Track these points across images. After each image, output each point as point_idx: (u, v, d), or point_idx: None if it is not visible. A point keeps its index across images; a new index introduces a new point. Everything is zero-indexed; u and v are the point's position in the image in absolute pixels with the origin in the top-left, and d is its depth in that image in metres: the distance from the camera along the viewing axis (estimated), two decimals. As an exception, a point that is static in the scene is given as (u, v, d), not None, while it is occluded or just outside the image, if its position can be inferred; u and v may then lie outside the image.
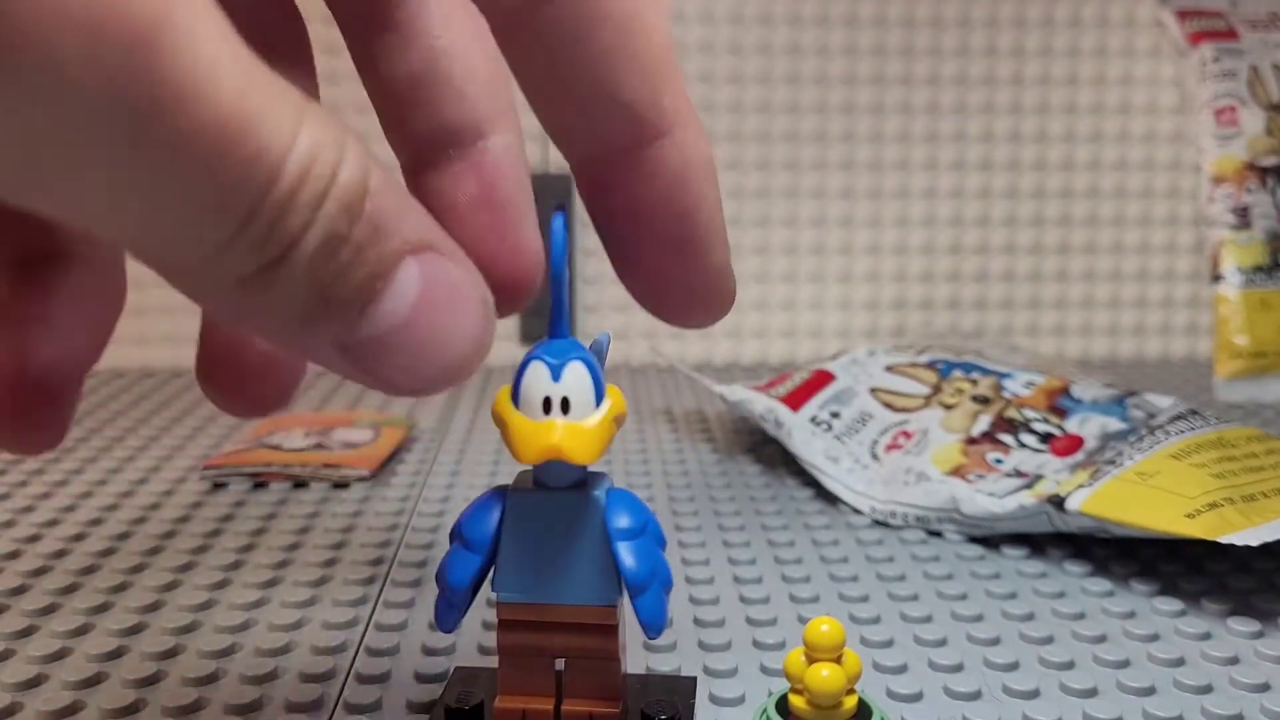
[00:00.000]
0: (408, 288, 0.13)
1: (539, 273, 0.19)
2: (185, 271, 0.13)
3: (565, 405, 0.20)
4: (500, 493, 0.21)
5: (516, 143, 0.19)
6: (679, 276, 0.18)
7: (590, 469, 0.21)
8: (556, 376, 0.20)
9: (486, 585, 0.22)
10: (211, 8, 0.11)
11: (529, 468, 0.22)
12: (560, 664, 0.22)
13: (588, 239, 0.63)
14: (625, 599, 0.22)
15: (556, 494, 0.21)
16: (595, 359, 0.20)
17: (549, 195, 0.63)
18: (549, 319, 0.21)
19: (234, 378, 0.19)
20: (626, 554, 0.21)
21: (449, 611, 0.21)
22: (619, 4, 0.16)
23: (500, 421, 0.20)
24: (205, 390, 0.19)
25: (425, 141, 0.19)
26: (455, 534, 0.22)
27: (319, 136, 0.12)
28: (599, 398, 0.20)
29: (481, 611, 0.30)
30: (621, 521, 0.21)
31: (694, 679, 0.25)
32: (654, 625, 0.21)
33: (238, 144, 0.11)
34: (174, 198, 0.12)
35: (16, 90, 0.10)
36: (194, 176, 0.11)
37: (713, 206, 0.18)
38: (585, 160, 0.18)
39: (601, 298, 0.64)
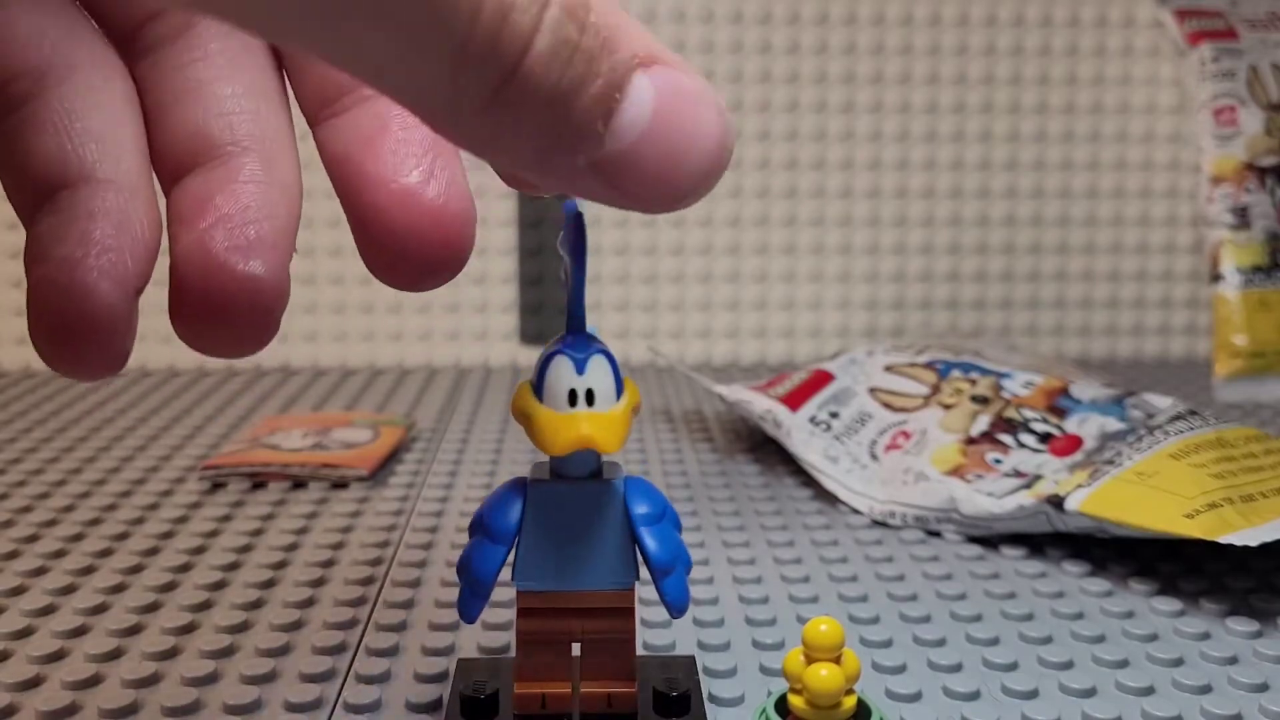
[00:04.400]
0: (644, 97, 0.14)
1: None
2: (437, 100, 0.13)
3: (590, 397, 0.20)
4: (519, 485, 0.22)
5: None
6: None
7: (605, 458, 0.22)
8: (581, 370, 0.21)
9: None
10: None
11: (544, 460, 0.22)
12: (576, 650, 0.23)
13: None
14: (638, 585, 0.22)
15: (578, 483, 0.22)
16: (613, 354, 0.21)
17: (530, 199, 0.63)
18: (567, 313, 0.21)
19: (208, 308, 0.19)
20: (651, 539, 0.22)
21: (474, 602, 0.22)
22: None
23: (524, 416, 0.21)
24: (179, 326, 0.19)
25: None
26: (477, 527, 0.22)
27: None
28: (619, 390, 0.21)
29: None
30: (642, 508, 0.22)
31: (692, 656, 0.26)
32: (679, 605, 0.22)
33: None
34: (402, 26, 0.12)
35: None
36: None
37: None
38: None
39: (601, 297, 0.64)
